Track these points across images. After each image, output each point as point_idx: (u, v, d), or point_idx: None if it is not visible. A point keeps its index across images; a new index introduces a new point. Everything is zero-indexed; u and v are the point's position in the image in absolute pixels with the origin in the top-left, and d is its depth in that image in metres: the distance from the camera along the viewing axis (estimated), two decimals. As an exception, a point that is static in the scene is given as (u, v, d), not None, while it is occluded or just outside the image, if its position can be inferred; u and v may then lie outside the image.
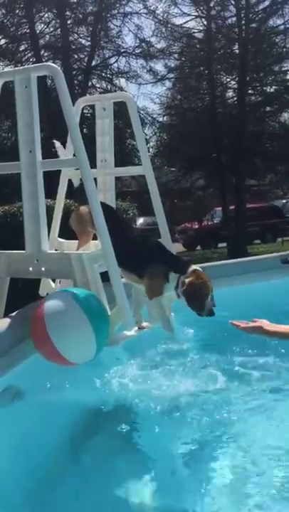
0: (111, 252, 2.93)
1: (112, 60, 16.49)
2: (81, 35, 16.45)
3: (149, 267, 3.13)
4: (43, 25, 16.01)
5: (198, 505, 1.87)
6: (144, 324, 3.34)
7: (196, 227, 19.34)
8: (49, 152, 3.56)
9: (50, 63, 3.38)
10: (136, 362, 3.02)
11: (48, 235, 3.32)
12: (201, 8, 16.14)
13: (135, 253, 3.18)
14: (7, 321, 2.89)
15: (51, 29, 16.10)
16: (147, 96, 20.29)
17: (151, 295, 3.14)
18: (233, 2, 15.87)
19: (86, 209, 3.29)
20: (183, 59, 17.35)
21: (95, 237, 3.44)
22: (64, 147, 3.59)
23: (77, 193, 3.56)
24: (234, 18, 16.34)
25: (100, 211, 2.95)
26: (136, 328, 3.24)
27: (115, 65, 16.45)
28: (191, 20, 16.42)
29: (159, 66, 16.78)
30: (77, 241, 3.53)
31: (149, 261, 3.14)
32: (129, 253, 3.14)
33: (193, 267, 3.09)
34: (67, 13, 15.63)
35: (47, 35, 16.16)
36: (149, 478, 2.06)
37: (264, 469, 2.04)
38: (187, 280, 3.00)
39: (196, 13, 16.36)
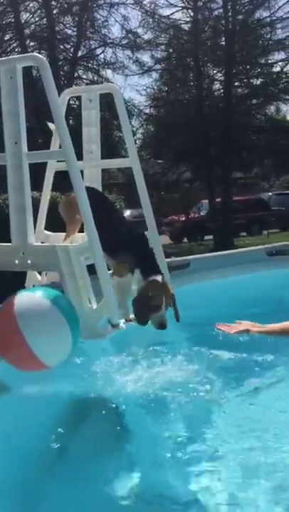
0: (98, 244, 2.92)
1: (99, 50, 16.41)
2: (67, 25, 16.33)
3: (122, 255, 3.07)
4: (28, 15, 15.84)
5: (188, 494, 1.89)
6: (132, 317, 3.34)
7: (183, 219, 19.37)
8: (35, 143, 3.53)
9: (36, 54, 3.34)
10: (123, 354, 3.03)
11: (34, 227, 3.30)
12: (188, -1, 16.09)
13: (118, 239, 3.11)
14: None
15: (37, 19, 15.95)
16: (134, 87, 20.19)
17: (120, 272, 3.09)
18: (219, -7, 15.85)
19: (72, 196, 3.24)
20: (170, 50, 17.29)
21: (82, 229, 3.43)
22: (50, 139, 3.56)
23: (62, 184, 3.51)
24: (221, 10, 16.31)
25: (86, 204, 2.93)
26: (123, 320, 3.24)
27: (102, 55, 16.38)
28: (177, 11, 16.38)
29: (145, 57, 16.73)
30: (64, 233, 3.51)
31: (125, 250, 3.09)
32: (113, 239, 3.06)
33: (153, 277, 2.93)
34: (53, 2, 15.47)
35: (32, 25, 15.99)
36: (137, 468, 2.08)
37: (253, 457, 2.07)
38: (140, 291, 2.93)
39: (182, 4, 16.31)
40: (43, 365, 2.39)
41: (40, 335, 2.37)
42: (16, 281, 3.64)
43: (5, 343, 2.40)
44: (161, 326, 2.87)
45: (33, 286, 3.46)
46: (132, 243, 3.14)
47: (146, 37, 16.27)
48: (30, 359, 2.35)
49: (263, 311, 3.74)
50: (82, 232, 3.38)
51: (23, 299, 2.49)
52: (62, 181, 3.51)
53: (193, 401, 2.51)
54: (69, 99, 3.97)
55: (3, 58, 3.32)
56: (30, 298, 2.52)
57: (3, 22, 15.43)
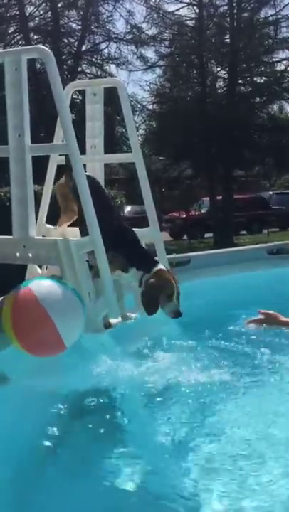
0: (99, 239, 2.92)
1: (103, 45, 16.36)
2: (71, 19, 16.27)
3: (111, 252, 2.98)
4: (32, 8, 15.79)
5: (189, 486, 1.90)
6: (128, 314, 3.32)
7: (184, 216, 19.36)
8: (36, 136, 3.52)
9: (41, 46, 3.32)
10: (122, 349, 3.03)
11: (36, 220, 3.30)
12: (194, -5, 16.03)
13: (107, 235, 3.08)
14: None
15: (41, 12, 15.89)
16: (137, 83, 20.15)
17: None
18: (225, -10, 15.80)
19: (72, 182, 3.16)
20: (174, 47, 17.23)
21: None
22: (52, 133, 3.55)
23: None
24: (226, 7, 16.26)
25: (89, 198, 2.93)
26: (119, 318, 3.22)
27: (106, 50, 16.33)
28: (183, 7, 16.33)
29: (149, 53, 16.68)
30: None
31: (114, 247, 3.01)
32: (103, 233, 2.96)
33: (159, 266, 2.96)
34: (58, -5, 15.42)
35: (36, 18, 15.93)
36: (138, 460, 2.08)
37: (252, 453, 2.08)
38: (148, 282, 2.90)
39: (188, 1, 16.25)
40: (63, 346, 2.49)
41: (63, 315, 2.47)
42: (16, 275, 3.64)
43: (31, 325, 2.45)
44: (177, 314, 2.89)
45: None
46: (122, 242, 3.10)
47: (150, 32, 16.25)
48: (56, 340, 2.45)
49: (263, 308, 3.74)
50: (75, 225, 3.37)
51: (40, 284, 2.59)
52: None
53: (195, 395, 2.52)
54: (72, 93, 3.96)
55: (8, 50, 3.30)
56: (45, 283, 2.62)
57: (8, 14, 15.38)
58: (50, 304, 2.45)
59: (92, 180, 3.11)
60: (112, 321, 3.05)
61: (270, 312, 2.95)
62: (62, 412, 2.51)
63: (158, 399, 2.55)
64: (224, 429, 2.26)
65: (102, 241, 2.98)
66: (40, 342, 2.49)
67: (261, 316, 2.99)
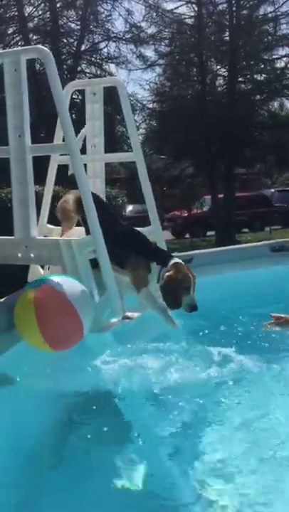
0: (101, 238, 2.92)
1: (102, 44, 16.32)
2: (70, 19, 16.23)
3: (131, 257, 3.07)
4: (31, 8, 15.77)
5: (192, 488, 1.89)
6: (128, 314, 3.32)
7: (185, 215, 19.32)
8: (37, 136, 3.52)
9: (40, 46, 3.32)
10: (124, 348, 3.03)
11: (37, 221, 3.30)
12: (193, -7, 15.99)
13: (117, 242, 3.11)
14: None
15: (40, 12, 15.87)
16: (137, 82, 20.13)
17: (138, 287, 3.09)
18: (224, -12, 15.75)
19: (69, 195, 3.31)
20: (173, 45, 17.18)
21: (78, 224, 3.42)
22: (52, 134, 3.55)
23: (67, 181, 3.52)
24: (225, 5, 16.21)
25: (89, 197, 2.93)
26: (119, 318, 3.22)
27: (105, 50, 16.29)
28: (182, 5, 16.25)
29: (149, 52, 16.63)
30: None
31: (130, 251, 3.09)
32: (111, 242, 3.05)
33: (175, 259, 3.02)
34: (57, -5, 15.41)
35: (36, 18, 15.92)
36: (140, 462, 2.08)
37: (254, 452, 2.07)
38: (166, 274, 2.94)
39: (186, -1, 16.20)
40: (82, 332, 2.65)
41: (82, 303, 2.64)
42: (19, 276, 3.64)
43: (57, 312, 2.61)
44: (193, 307, 2.93)
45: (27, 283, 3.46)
46: (135, 244, 3.14)
47: (149, 31, 16.18)
48: (78, 325, 2.61)
49: (266, 306, 3.73)
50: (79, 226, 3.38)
51: (56, 279, 2.71)
52: (66, 175, 3.51)
53: (197, 396, 2.52)
54: (72, 93, 3.96)
55: (8, 50, 3.31)
56: (62, 278, 2.77)
57: (7, 15, 15.36)
58: (72, 294, 2.62)
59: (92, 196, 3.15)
60: (113, 320, 3.06)
61: (282, 315, 2.96)
62: (64, 413, 2.51)
63: (160, 399, 2.54)
64: (229, 430, 2.25)
65: (119, 258, 3.07)
66: (65, 330, 2.63)
67: (274, 320, 3.00)
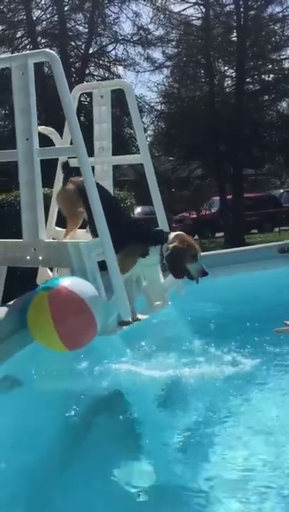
0: (109, 241, 2.92)
1: (110, 47, 16.38)
2: (78, 22, 16.31)
3: (127, 245, 3.08)
4: (39, 12, 15.86)
5: (199, 487, 1.89)
6: (139, 316, 3.32)
7: (194, 216, 19.30)
8: (45, 139, 3.53)
9: (47, 49, 3.33)
10: (132, 350, 3.03)
11: (46, 223, 3.30)
12: (200, -6, 16.00)
13: (114, 230, 3.08)
14: (4, 309, 2.88)
15: (48, 16, 15.96)
16: (145, 84, 20.13)
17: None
18: (231, -11, 15.74)
19: (73, 186, 3.22)
20: (181, 47, 17.20)
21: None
22: (61, 135, 3.56)
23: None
24: (233, 6, 16.20)
25: (98, 201, 2.93)
26: (130, 319, 3.22)
27: (113, 52, 16.35)
28: (189, 7, 16.30)
29: (156, 54, 16.68)
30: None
31: (126, 239, 3.09)
32: (112, 230, 3.00)
33: (176, 232, 3.06)
34: (65, -1, 15.49)
35: (44, 22, 16.01)
36: (148, 461, 2.08)
37: (261, 452, 2.07)
38: (171, 245, 2.97)
39: (194, 0, 16.21)
40: (96, 329, 2.68)
41: (95, 302, 2.69)
42: (25, 279, 3.65)
43: (72, 311, 2.65)
44: (203, 273, 2.95)
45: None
46: (134, 231, 3.15)
47: (157, 33, 16.23)
48: (92, 322, 2.66)
49: (275, 308, 3.71)
50: (83, 227, 3.37)
51: (68, 281, 2.77)
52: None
53: (205, 396, 2.51)
54: (80, 96, 3.97)
55: (15, 54, 3.32)
56: (73, 278, 2.83)
57: (15, 19, 15.46)
58: (84, 293, 2.67)
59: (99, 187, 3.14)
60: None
61: None
62: (73, 414, 2.52)
63: (168, 402, 2.54)
64: (237, 432, 2.25)
65: (116, 239, 3.03)
66: (80, 328, 2.66)
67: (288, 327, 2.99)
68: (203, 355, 2.99)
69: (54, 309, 2.61)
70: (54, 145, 3.56)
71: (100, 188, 3.19)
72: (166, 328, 3.28)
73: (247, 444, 2.15)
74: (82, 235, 3.37)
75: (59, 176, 3.85)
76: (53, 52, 3.05)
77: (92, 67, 16.63)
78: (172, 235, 3.04)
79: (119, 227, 3.09)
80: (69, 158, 3.61)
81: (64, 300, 2.66)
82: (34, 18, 15.50)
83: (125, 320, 2.99)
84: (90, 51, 16.18)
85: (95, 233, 3.04)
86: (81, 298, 2.65)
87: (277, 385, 2.69)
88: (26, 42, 15.54)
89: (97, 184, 3.17)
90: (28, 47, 15.05)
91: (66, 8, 15.74)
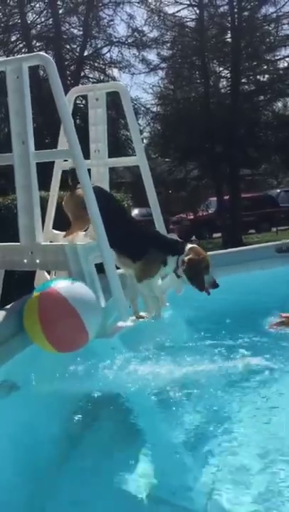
0: (106, 243, 2.92)
1: (105, 49, 16.38)
2: (73, 25, 16.32)
3: (148, 252, 3.14)
4: (34, 15, 15.86)
5: (201, 492, 1.89)
6: (142, 314, 3.34)
7: (191, 217, 19.31)
8: (41, 142, 3.53)
9: (41, 53, 3.33)
10: (132, 352, 3.02)
11: (43, 226, 3.30)
12: (194, -4, 16.03)
13: (133, 237, 3.20)
14: (2, 313, 2.88)
15: (42, 19, 15.96)
16: (140, 86, 20.16)
17: (141, 277, 3.16)
18: (225, -10, 15.77)
19: (81, 191, 3.27)
20: (175, 48, 17.22)
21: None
22: (57, 138, 3.56)
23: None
24: (226, 7, 16.23)
25: (94, 203, 2.93)
26: (133, 318, 3.24)
27: (108, 54, 16.35)
28: (183, 8, 16.33)
29: (151, 56, 16.74)
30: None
31: (147, 246, 3.16)
32: (127, 236, 3.16)
33: (190, 245, 3.17)
34: (59, 2, 15.48)
35: (38, 25, 16.01)
36: (149, 465, 2.08)
37: (261, 455, 2.06)
38: (186, 258, 3.07)
39: (188, 2, 16.24)
40: (87, 335, 2.65)
41: (85, 306, 2.66)
42: (23, 282, 3.65)
43: (58, 316, 2.64)
44: (215, 284, 3.09)
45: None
46: (152, 240, 3.22)
47: (151, 35, 16.25)
48: (81, 329, 2.63)
49: (273, 307, 3.72)
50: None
51: (62, 283, 2.76)
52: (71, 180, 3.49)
53: (205, 398, 2.51)
54: (76, 98, 3.97)
55: (10, 58, 3.32)
56: (67, 281, 2.81)
57: (10, 23, 15.46)
58: (73, 296, 2.65)
59: (103, 193, 3.16)
60: (124, 323, 3.06)
61: None
62: (72, 417, 2.51)
63: (169, 403, 2.54)
64: (240, 434, 2.24)
65: (126, 244, 3.11)
66: (67, 332, 2.64)
67: (284, 319, 3.00)
68: (203, 355, 2.99)
69: (42, 311, 2.63)
70: (50, 147, 3.56)
71: (109, 196, 3.23)
72: (165, 329, 3.28)
73: (251, 445, 2.14)
74: (81, 238, 3.37)
75: (56, 178, 3.86)
76: (48, 56, 3.06)
77: (87, 70, 16.62)
78: (188, 246, 3.14)
79: (141, 235, 3.17)
80: (65, 160, 3.62)
81: (51, 303, 2.66)
82: (29, 21, 15.50)
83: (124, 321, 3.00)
84: (85, 54, 16.18)
85: (114, 246, 3.05)
86: (69, 301, 2.63)
87: (280, 384, 2.69)
88: (21, 45, 15.55)
89: (106, 191, 3.19)
90: (23, 50, 15.04)
91: (61, 12, 15.74)
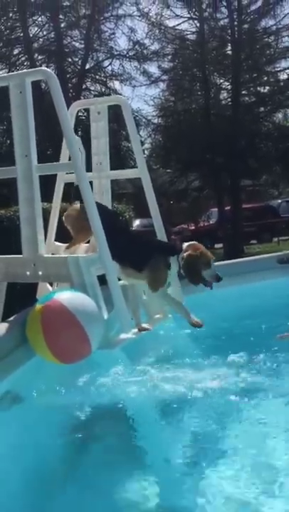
0: (108, 255, 2.94)
1: (106, 62, 16.51)
2: (75, 39, 16.46)
3: (151, 259, 3.17)
4: (36, 29, 16.03)
5: (197, 506, 1.88)
6: (145, 326, 3.35)
7: (193, 228, 19.35)
8: (43, 154, 3.57)
9: (44, 68, 3.39)
10: (134, 364, 3.03)
11: (45, 238, 3.33)
12: (194, 10, 16.18)
13: (133, 248, 3.24)
14: (5, 325, 2.89)
15: (45, 32, 16.12)
16: (141, 98, 20.30)
17: (155, 287, 3.18)
18: (225, 4, 15.91)
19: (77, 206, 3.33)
20: (176, 61, 17.37)
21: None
22: (59, 151, 3.60)
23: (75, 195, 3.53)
24: (226, 20, 16.39)
25: (96, 215, 2.96)
26: (136, 330, 3.25)
27: (109, 67, 16.48)
28: (183, 22, 16.48)
29: (152, 68, 16.82)
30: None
31: (147, 253, 3.18)
32: (127, 248, 3.20)
33: (189, 242, 3.21)
34: (61, 16, 15.65)
35: (40, 39, 16.17)
36: (148, 478, 2.07)
37: (268, 469, 2.05)
38: (185, 254, 3.11)
39: (188, 15, 16.41)
40: (90, 347, 2.67)
41: (89, 318, 2.68)
42: (26, 294, 3.66)
43: (61, 327, 2.65)
44: (217, 278, 3.13)
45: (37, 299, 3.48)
46: (150, 246, 3.26)
47: (152, 48, 16.38)
48: (84, 340, 2.64)
49: (274, 319, 3.72)
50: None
51: (65, 294, 2.78)
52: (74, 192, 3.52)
53: (207, 410, 2.51)
54: (77, 112, 4.01)
55: (13, 73, 3.37)
56: (70, 292, 2.85)
57: (12, 36, 15.62)
58: (76, 307, 2.66)
59: (101, 208, 3.20)
60: (126, 335, 3.07)
61: None
62: (74, 428, 2.51)
63: (172, 414, 2.54)
64: (241, 450, 2.23)
65: (128, 255, 3.16)
66: (70, 343, 2.66)
67: None
68: (204, 367, 2.99)
69: (45, 322, 2.64)
70: (51, 159, 3.60)
71: (106, 210, 3.27)
72: (166, 341, 3.28)
73: (252, 459, 2.13)
74: (83, 250, 3.40)
75: (58, 190, 3.89)
76: (50, 71, 3.11)
77: (88, 83, 16.75)
78: (185, 244, 3.19)
79: (141, 244, 3.21)
80: (67, 173, 3.65)
81: (54, 314, 2.68)
82: (31, 35, 15.65)
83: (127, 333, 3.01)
84: (87, 67, 16.32)
85: (115, 258, 3.07)
86: (72, 312, 2.64)
87: (282, 396, 2.68)
88: (23, 59, 15.69)
89: (100, 205, 3.23)
90: (25, 64, 15.19)
91: (62, 25, 15.91)
